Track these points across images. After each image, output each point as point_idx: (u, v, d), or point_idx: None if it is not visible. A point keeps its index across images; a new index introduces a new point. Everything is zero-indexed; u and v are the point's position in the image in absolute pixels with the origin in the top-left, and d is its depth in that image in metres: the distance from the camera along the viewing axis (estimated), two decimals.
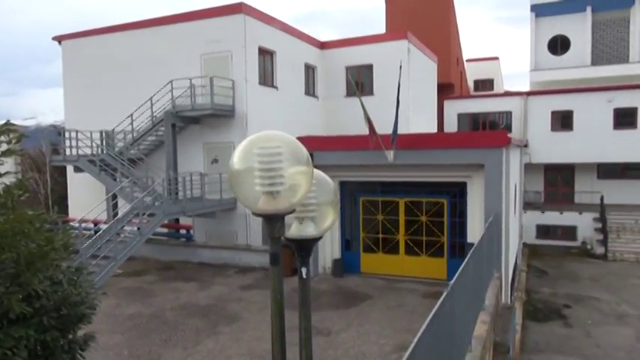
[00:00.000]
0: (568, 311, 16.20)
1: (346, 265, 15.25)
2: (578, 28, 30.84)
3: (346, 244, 15.58)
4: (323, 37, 23.80)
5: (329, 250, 15.25)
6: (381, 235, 15.12)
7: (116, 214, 15.02)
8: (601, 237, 24.20)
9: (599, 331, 14.43)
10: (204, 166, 17.88)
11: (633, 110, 25.47)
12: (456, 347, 6.46)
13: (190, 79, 16.58)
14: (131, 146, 17.54)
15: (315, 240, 2.59)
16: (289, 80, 20.17)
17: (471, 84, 39.78)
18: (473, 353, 7.48)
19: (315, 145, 14.58)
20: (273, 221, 2.28)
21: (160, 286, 14.06)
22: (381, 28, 31.36)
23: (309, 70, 22.13)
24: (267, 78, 18.96)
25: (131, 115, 17.39)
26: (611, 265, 22.32)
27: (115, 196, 16.80)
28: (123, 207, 15.97)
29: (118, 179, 16.16)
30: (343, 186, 15.20)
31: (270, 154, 2.21)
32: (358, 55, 22.42)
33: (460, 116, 29.75)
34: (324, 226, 2.62)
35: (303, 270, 2.61)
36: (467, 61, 38.47)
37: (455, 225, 14.21)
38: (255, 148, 2.23)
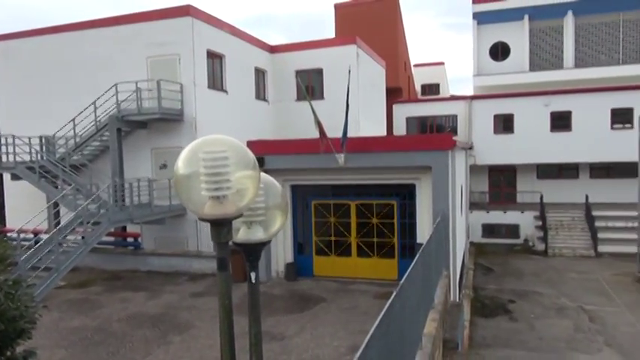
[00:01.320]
0: (513, 306, 16.87)
1: (299, 268, 15.27)
2: (517, 35, 32.37)
3: (299, 248, 15.60)
4: (273, 41, 23.74)
5: (282, 254, 15.21)
6: (333, 238, 15.24)
7: (58, 224, 14.36)
8: (541, 234, 25.41)
9: (541, 323, 15.12)
10: (153, 172, 17.42)
11: (568, 114, 26.96)
12: (407, 345, 6.61)
13: (136, 83, 16.13)
14: (74, 152, 16.84)
15: (263, 244, 2.59)
16: (239, 84, 20.01)
17: (418, 88, 40.86)
18: (423, 350, 7.67)
19: (265, 149, 14.54)
20: (220, 226, 2.26)
21: (107, 296, 13.56)
22: (330, 33, 31.72)
23: (260, 74, 22.05)
24: (216, 82, 18.73)
25: (73, 119, 16.71)
26: (551, 261, 23.45)
27: (56, 205, 16.06)
28: (65, 216, 15.30)
29: (59, 187, 15.47)
30: (295, 190, 15.23)
31: (216, 158, 2.20)
32: (308, 60, 22.56)
33: (408, 120, 30.49)
34: (272, 230, 2.62)
35: (252, 274, 2.60)
36: (414, 66, 39.52)
37: (405, 226, 14.53)
38: (201, 153, 2.21)
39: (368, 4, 30.63)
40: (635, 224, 20.71)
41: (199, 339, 10.23)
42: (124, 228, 17.09)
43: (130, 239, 17.25)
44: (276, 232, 2.65)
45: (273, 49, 22.94)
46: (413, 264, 6.80)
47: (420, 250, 7.95)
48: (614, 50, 31.19)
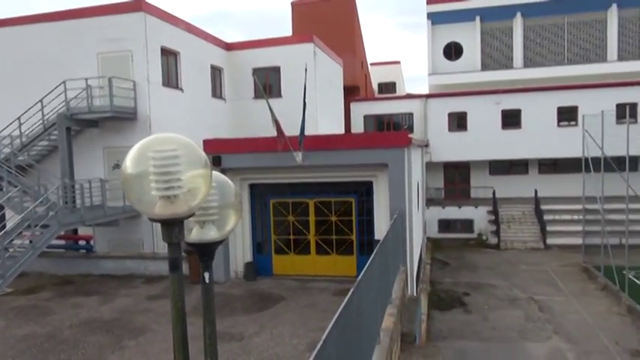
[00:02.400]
0: (468, 299, 17.37)
1: (258, 267, 15.18)
2: (469, 35, 33.29)
3: (258, 247, 15.51)
4: (230, 39, 23.48)
5: (240, 254, 15.09)
6: (292, 237, 15.23)
7: (4, 227, 13.69)
8: (494, 228, 26.29)
9: (494, 314, 15.64)
10: (105, 172, 16.87)
11: (518, 112, 28.00)
12: (365, 341, 6.70)
13: (86, 80, 15.57)
14: (19, 152, 16.08)
15: (217, 243, 2.56)
16: (195, 82, 19.66)
17: (375, 87, 41.37)
18: (381, 345, 7.79)
19: (223, 147, 14.38)
20: (172, 226, 2.22)
21: (58, 302, 13.05)
22: (288, 31, 31.65)
23: (216, 72, 21.74)
24: (171, 79, 18.33)
25: (19, 118, 15.95)
26: (503, 254, 24.30)
27: (1, 208, 15.30)
28: (11, 219, 14.59)
29: (4, 188, 14.74)
30: (253, 189, 15.13)
31: (166, 157, 2.15)
32: (265, 57, 22.42)
33: (366, 118, 30.84)
34: (226, 229, 2.60)
35: (206, 274, 2.57)
36: (371, 64, 39.96)
37: (363, 223, 14.70)
38: (150, 152, 2.16)
39: (325, 2, 30.74)
40: (581, 217, 21.74)
41: (155, 343, 10.01)
42: (75, 231, 16.49)
43: (81, 242, 16.66)
44: (230, 231, 2.62)
45: (229, 47, 22.67)
46: (370, 260, 6.89)
47: (377, 247, 8.07)
48: (560, 51, 32.59)
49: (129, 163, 2.16)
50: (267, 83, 22.34)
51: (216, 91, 21.75)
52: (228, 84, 22.51)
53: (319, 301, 12.50)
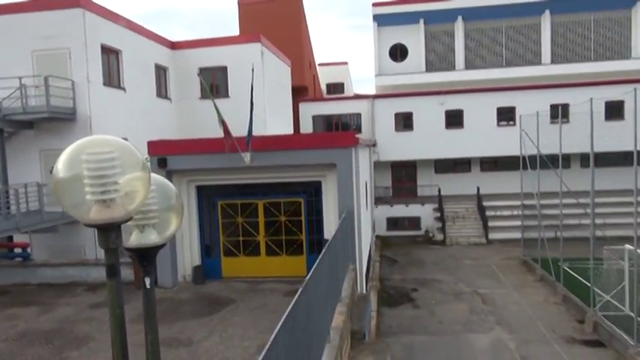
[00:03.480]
0: (416, 294, 17.83)
1: (207, 271, 14.93)
2: (414, 37, 34.16)
3: (206, 250, 15.24)
4: (175, 37, 22.94)
5: (188, 258, 14.77)
6: (241, 238, 15.08)
7: None
8: (440, 225, 27.13)
9: (441, 309, 16.15)
10: (43, 176, 16.04)
11: (460, 112, 29.02)
12: (315, 340, 6.74)
13: (20, 79, 14.76)
14: None
15: (158, 248, 2.51)
16: (138, 81, 19.07)
17: (323, 87, 41.64)
18: (331, 344, 7.86)
19: (168, 149, 14.04)
20: (108, 231, 2.16)
21: None
22: (236, 30, 31.31)
23: (161, 71, 21.19)
24: (112, 79, 17.70)
25: None
26: (449, 250, 25.12)
27: None
28: None
29: None
30: (201, 190, 14.86)
31: (101, 160, 2.09)
32: (212, 57, 22.08)
33: (315, 118, 31.01)
34: (167, 232, 2.55)
35: (147, 280, 2.51)
36: (319, 65, 40.19)
37: (312, 223, 14.76)
38: (84, 154, 2.09)
39: (272, 2, 30.63)
40: (520, 212, 22.82)
41: (99, 352, 9.64)
42: (10, 238, 15.60)
43: (17, 250, 15.77)
44: (171, 234, 2.57)
45: (174, 46, 22.15)
46: (318, 260, 6.94)
47: (326, 246, 8.14)
48: (498, 54, 34.03)
49: (61, 167, 2.08)
50: (214, 83, 22.01)
51: (161, 91, 21.20)
52: (174, 84, 21.99)
53: (270, 303, 12.45)
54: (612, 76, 29.26)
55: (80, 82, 15.93)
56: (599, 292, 14.13)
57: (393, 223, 28.60)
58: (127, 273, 11.78)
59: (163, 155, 13.78)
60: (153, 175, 2.35)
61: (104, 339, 10.30)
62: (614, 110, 23.67)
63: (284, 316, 4.47)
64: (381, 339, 13.44)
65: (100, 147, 2.12)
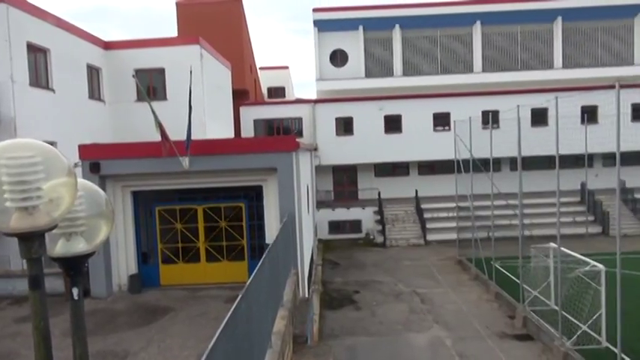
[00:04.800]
0: (357, 296, 18.10)
1: (144, 279, 14.39)
2: (354, 44, 34.81)
3: (143, 258, 14.70)
4: (111, 37, 22.05)
5: (124, 266, 14.18)
6: (180, 245, 14.68)
7: None
8: (380, 227, 27.71)
9: (382, 309, 16.48)
10: None
11: (398, 117, 29.86)
12: (256, 345, 6.67)
13: None
14: None
15: (86, 256, 2.40)
16: (69, 82, 18.16)
17: (265, 91, 41.47)
18: (273, 349, 7.82)
19: (102, 153, 13.45)
20: (30, 240, 2.04)
21: None
22: (174, 32, 30.53)
23: (93, 72, 20.29)
24: (40, 79, 16.75)
25: None
26: (389, 251, 25.70)
27: None
28: None
29: None
30: (137, 196, 14.34)
31: (22, 164, 1.97)
32: (149, 58, 21.41)
33: (256, 122, 30.80)
34: (97, 240, 2.44)
35: (75, 290, 2.39)
36: (260, 69, 40.02)
37: (254, 227, 14.62)
38: (3, 159, 1.97)
39: (211, 4, 30.17)
40: (455, 214, 23.73)
41: None
42: None
43: None
44: (101, 242, 2.47)
45: (108, 46, 21.29)
46: (259, 265, 6.89)
47: (267, 251, 8.09)
48: (434, 61, 35.33)
49: None
50: (151, 85, 21.36)
51: (94, 93, 20.30)
52: (108, 85, 21.12)
53: (210, 310, 12.19)
54: (537, 84, 31.19)
55: (3, 82, 14.95)
56: (527, 288, 14.96)
57: (335, 226, 28.90)
58: (58, 284, 11.15)
59: (96, 160, 13.18)
60: (81, 180, 2.25)
61: (31, 355, 9.68)
62: (539, 117, 25.18)
63: (223, 323, 4.39)
64: (324, 342, 13.52)
65: (21, 151, 2.01)
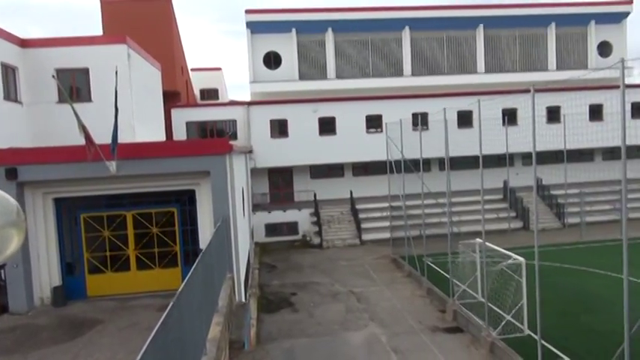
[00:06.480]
0: (295, 298, 18.10)
1: (69, 291, 13.63)
2: (287, 46, 34.86)
3: (68, 268, 13.92)
4: (31, 34, 20.65)
5: (46, 278, 13.36)
6: (108, 253, 14.04)
7: None
8: (317, 229, 27.91)
9: (319, 310, 16.59)
10: None
11: (332, 119, 30.25)
12: (190, 353, 6.50)
13: None
14: None
15: None
16: None
17: (197, 93, 40.55)
18: (208, 356, 7.65)
19: (19, 158, 12.62)
20: None
21: None
22: (100, 30, 29.13)
23: (9, 71, 18.90)
24: None
25: None
26: (326, 252, 25.93)
27: None
28: None
29: None
30: (59, 203, 13.57)
31: None
32: (71, 57, 20.24)
33: (188, 124, 30.05)
34: (6, 251, 2.28)
35: None
36: (192, 70, 39.08)
37: (187, 233, 14.27)
38: None
39: (138, 2, 29.09)
40: (388, 214, 24.38)
41: None
42: None
43: None
44: (12, 253, 2.31)
45: (25, 43, 19.91)
46: (192, 270, 6.72)
47: (200, 256, 7.91)
48: (366, 65, 36.13)
49: None
50: (74, 86, 20.23)
51: (10, 94, 18.92)
52: (26, 86, 19.75)
53: (142, 320, 11.75)
54: (463, 88, 32.75)
55: None
56: (457, 283, 15.65)
57: (272, 229, 28.77)
58: None
59: (12, 165, 12.33)
60: None
61: None
62: (464, 119, 26.36)
63: (153, 333, 4.25)
64: (261, 346, 13.40)
65: None
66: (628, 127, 7.91)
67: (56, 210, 13.52)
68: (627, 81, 11.27)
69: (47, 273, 13.38)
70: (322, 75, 35.38)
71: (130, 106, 19.94)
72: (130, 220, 14.01)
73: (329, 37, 35.01)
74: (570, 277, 18.16)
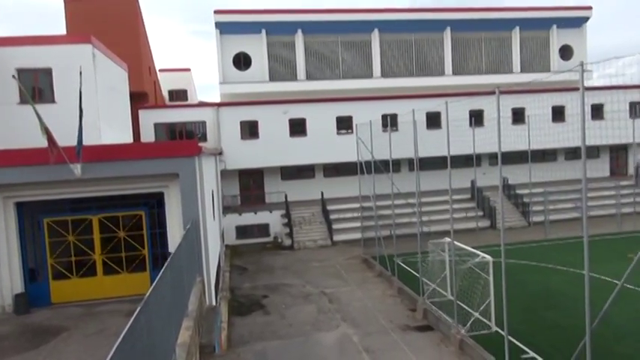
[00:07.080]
0: (266, 300, 18.02)
1: (32, 298, 13.20)
2: (257, 47, 34.69)
3: (31, 274, 13.48)
4: None
5: (7, 285, 12.91)
6: (73, 258, 13.68)
7: None
8: (288, 230, 27.84)
9: (290, 312, 16.56)
10: None
11: (303, 121, 30.25)
12: (159, 359, 6.39)
13: None
14: None
15: None
16: None
17: (165, 94, 39.91)
18: None
19: None
20: None
21: None
22: (63, 29, 28.33)
23: None
24: None
25: None
26: (297, 254, 25.90)
27: None
28: None
29: None
30: (21, 207, 13.15)
31: None
32: (33, 57, 19.62)
33: (157, 126, 29.55)
34: None
35: None
36: (160, 71, 38.45)
37: (156, 236, 14.03)
38: None
39: (103, 2, 28.43)
40: (359, 214, 24.54)
41: None
42: None
43: None
44: None
45: None
46: (160, 275, 6.61)
47: (168, 260, 7.79)
48: (336, 66, 36.28)
49: None
50: (37, 87, 19.62)
51: None
52: None
53: (109, 326, 11.48)
54: (431, 90, 33.25)
55: None
56: (426, 281, 15.87)
57: (242, 231, 28.56)
58: None
59: None
60: None
61: None
62: (433, 120, 26.86)
63: (119, 339, 4.16)
64: (232, 349, 13.29)
65: None
66: (588, 127, 8.20)
67: (18, 214, 13.09)
68: (587, 83, 11.65)
69: (9, 280, 12.93)
70: (292, 76, 35.36)
71: (96, 107, 19.47)
72: (96, 224, 13.68)
73: (299, 38, 35.02)
74: (536, 274, 18.66)
